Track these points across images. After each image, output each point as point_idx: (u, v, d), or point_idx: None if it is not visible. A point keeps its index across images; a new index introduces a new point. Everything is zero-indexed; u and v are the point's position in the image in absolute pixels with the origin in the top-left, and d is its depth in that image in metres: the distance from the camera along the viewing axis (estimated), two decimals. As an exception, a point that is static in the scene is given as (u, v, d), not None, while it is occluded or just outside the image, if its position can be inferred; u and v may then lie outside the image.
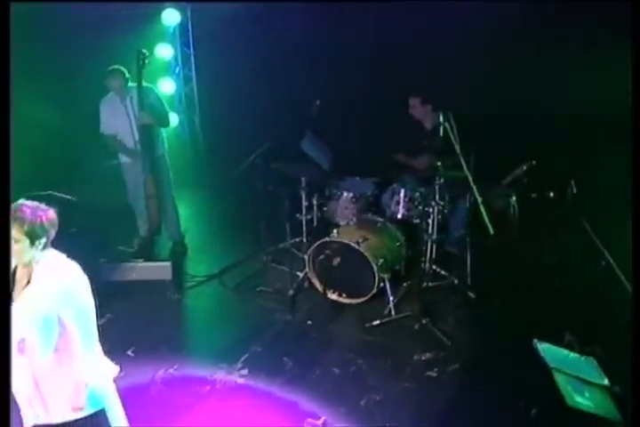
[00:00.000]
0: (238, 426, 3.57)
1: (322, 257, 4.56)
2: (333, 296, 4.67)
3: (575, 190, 4.34)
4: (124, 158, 5.14)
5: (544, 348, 3.14)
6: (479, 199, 4.08)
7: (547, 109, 5.30)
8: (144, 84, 4.86)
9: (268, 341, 4.29)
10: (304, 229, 4.99)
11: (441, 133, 4.31)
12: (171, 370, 4.01)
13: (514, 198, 4.46)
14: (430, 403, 3.72)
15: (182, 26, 6.92)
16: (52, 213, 2.57)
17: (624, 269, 3.48)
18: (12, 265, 2.61)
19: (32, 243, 2.47)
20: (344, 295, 4.66)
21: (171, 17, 6.69)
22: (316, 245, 4.60)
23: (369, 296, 4.57)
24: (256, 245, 5.28)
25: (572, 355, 3.19)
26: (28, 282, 2.54)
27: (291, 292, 4.70)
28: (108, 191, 5.88)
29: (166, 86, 6.88)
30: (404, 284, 4.75)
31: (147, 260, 4.97)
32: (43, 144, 6.10)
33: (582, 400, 2.90)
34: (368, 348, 4.21)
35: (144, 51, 4.84)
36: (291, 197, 4.75)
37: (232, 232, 5.88)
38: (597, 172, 4.71)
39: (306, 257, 4.72)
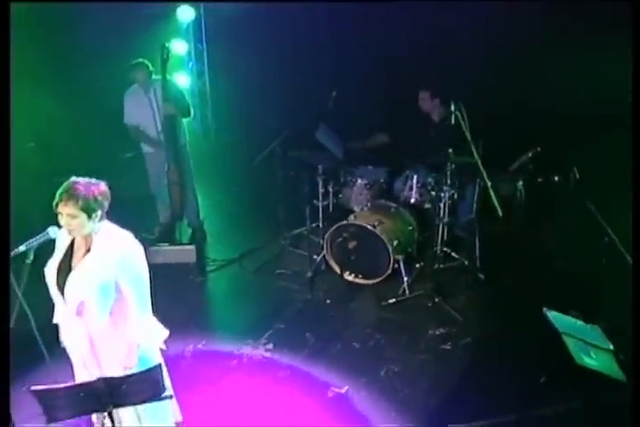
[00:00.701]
0: (265, 397, 3.81)
1: (339, 240, 4.81)
2: (350, 277, 4.92)
3: (578, 176, 4.59)
4: (146, 148, 5.36)
5: (553, 315, 3.37)
6: (488, 183, 4.35)
7: (549, 100, 5.54)
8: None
9: (289, 318, 4.54)
10: (320, 214, 5.22)
11: (452, 121, 4.56)
12: (199, 345, 4.24)
13: (520, 183, 4.71)
14: (446, 373, 4.00)
15: (196, 22, 7.14)
16: (103, 187, 2.78)
17: (626, 244, 3.73)
18: (70, 239, 2.85)
19: (89, 216, 2.69)
20: (360, 276, 4.90)
21: (185, 13, 6.91)
22: (334, 228, 4.85)
23: (384, 277, 4.81)
24: (273, 232, 5.53)
25: (579, 323, 3.41)
26: (87, 251, 2.77)
27: (309, 274, 4.95)
28: (121, 184, 6.11)
29: (181, 80, 7.08)
30: (417, 265, 5.01)
31: (171, 244, 5.22)
32: (62, 137, 6.31)
33: (589, 360, 3.13)
34: (385, 324, 4.48)
35: (167, 45, 5.07)
36: (309, 184, 4.99)
37: (246, 221, 6.06)
38: (598, 156, 4.97)
39: (324, 240, 4.97)
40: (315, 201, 5.17)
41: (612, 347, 3.34)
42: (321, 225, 5.24)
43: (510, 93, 5.61)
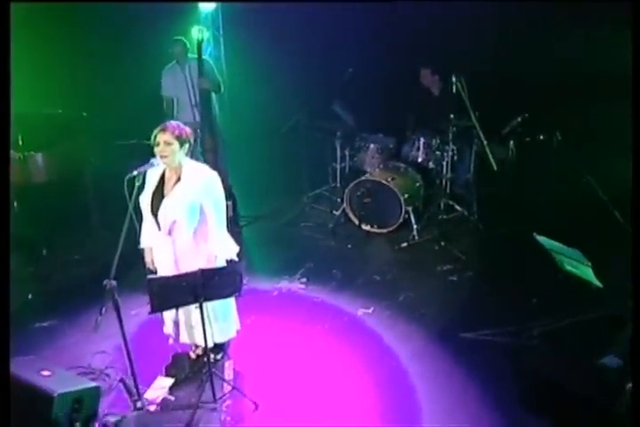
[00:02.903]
0: (304, 318, 4.54)
1: (358, 194, 5.57)
2: (367, 228, 5.68)
3: (560, 137, 5.38)
4: (181, 118, 6.04)
5: (541, 239, 4.14)
6: (484, 142, 5.15)
7: (535, 72, 6.27)
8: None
9: (317, 259, 5.30)
10: (338, 176, 5.99)
11: (454, 91, 5.32)
12: (244, 281, 4.96)
13: (512, 143, 5.51)
14: (454, 297, 4.78)
15: (214, 11, 7.81)
16: (189, 130, 3.52)
17: (600, 184, 4.50)
18: (159, 175, 3.55)
19: (181, 145, 3.41)
20: (375, 226, 5.67)
21: (206, 3, 7.58)
22: (353, 184, 5.62)
23: (396, 226, 5.59)
24: (292, 196, 6.27)
25: (562, 245, 4.19)
26: (177, 180, 3.48)
27: (331, 225, 5.72)
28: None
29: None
30: (425, 216, 5.79)
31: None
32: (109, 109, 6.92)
33: (572, 268, 3.90)
34: (400, 262, 5.26)
35: (202, 28, 5.76)
36: (330, 148, 5.75)
37: (266, 187, 6.75)
38: (580, 116, 5.77)
39: (344, 196, 5.72)
40: (333, 164, 5.93)
41: (589, 264, 4.14)
42: (338, 185, 6.01)
43: (502, 67, 6.33)
